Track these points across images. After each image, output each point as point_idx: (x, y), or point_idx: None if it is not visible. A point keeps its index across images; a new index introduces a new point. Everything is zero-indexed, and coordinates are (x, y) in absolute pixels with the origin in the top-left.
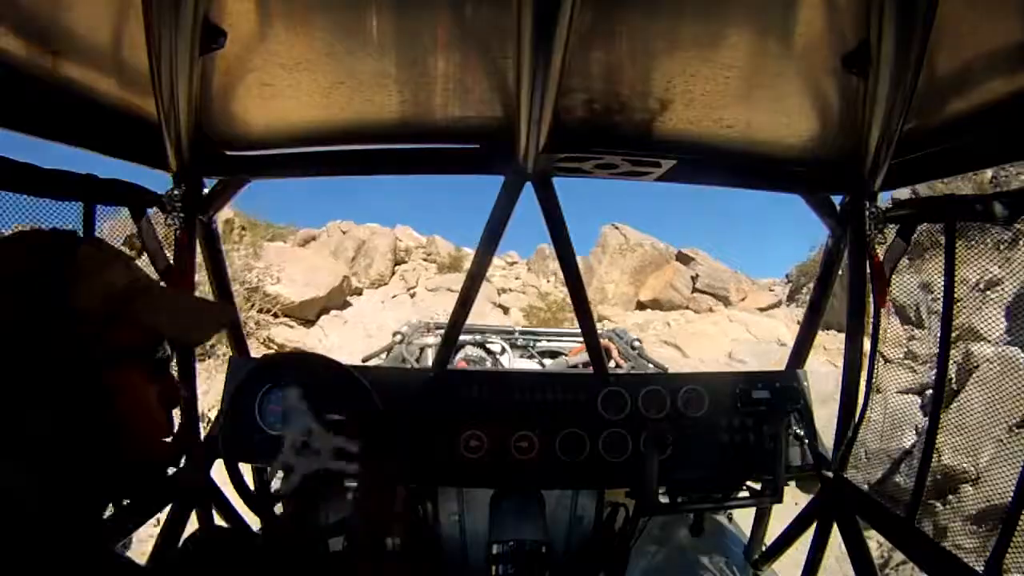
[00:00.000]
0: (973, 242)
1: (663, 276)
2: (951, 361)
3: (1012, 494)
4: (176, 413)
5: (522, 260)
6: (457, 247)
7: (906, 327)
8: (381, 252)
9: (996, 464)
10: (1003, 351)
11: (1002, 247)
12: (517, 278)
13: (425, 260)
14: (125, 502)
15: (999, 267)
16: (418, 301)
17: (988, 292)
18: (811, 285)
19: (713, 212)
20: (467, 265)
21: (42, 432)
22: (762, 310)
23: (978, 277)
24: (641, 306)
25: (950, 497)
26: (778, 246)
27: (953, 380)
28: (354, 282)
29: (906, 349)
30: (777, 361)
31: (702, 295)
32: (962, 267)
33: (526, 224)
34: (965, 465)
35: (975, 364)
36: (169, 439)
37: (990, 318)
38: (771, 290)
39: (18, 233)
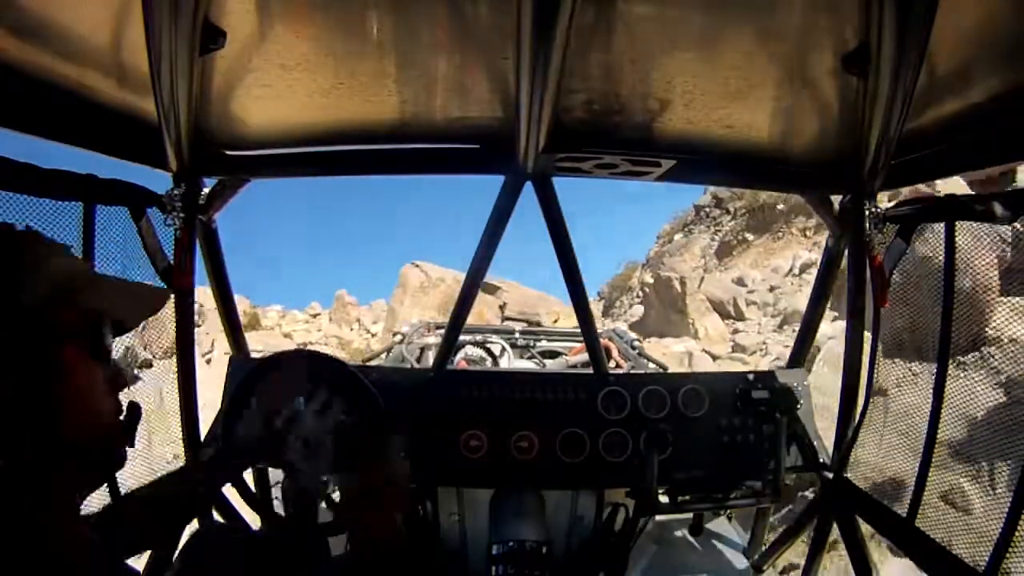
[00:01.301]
0: (780, 233)
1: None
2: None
3: (1012, 494)
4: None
5: (324, 310)
6: (252, 304)
7: (727, 321)
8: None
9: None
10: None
11: (808, 232)
12: (319, 330)
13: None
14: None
15: (808, 251)
16: (213, 367)
17: (804, 275)
18: (623, 299)
19: (522, 238)
20: (266, 322)
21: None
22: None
23: (790, 264)
24: None
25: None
26: (589, 265)
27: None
28: (142, 354)
29: (733, 342)
30: None
31: (513, 323)
32: (774, 256)
33: None
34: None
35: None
36: (118, 420)
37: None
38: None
39: None
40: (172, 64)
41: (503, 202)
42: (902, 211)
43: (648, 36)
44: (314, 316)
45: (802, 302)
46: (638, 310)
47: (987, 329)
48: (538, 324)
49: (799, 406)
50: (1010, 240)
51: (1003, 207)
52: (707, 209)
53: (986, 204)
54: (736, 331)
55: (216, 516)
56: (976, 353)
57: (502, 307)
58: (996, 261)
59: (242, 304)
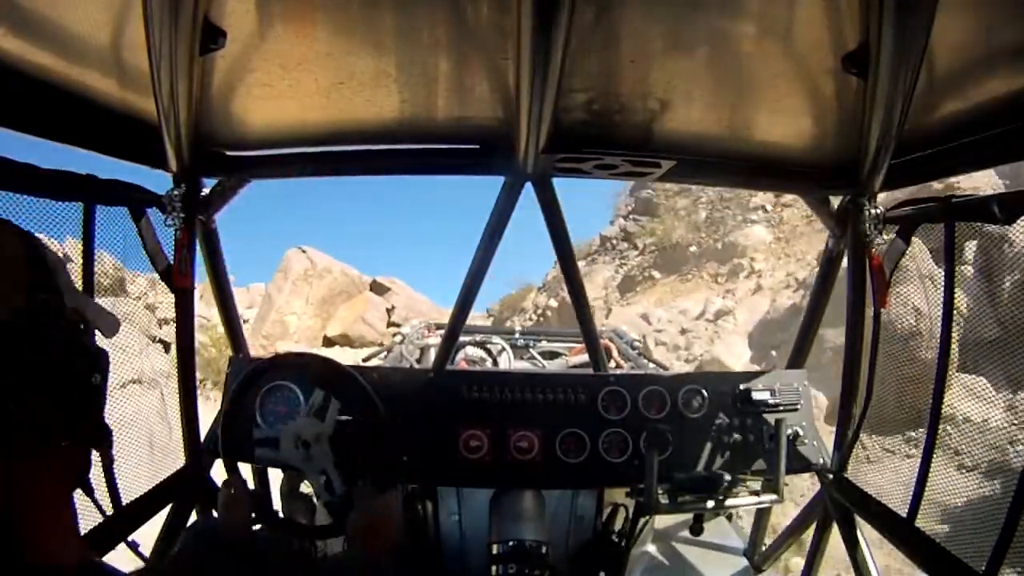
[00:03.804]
0: (689, 275)
1: (354, 308)
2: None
3: (1012, 494)
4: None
5: (198, 284)
6: (118, 265)
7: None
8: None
9: None
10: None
11: (720, 279)
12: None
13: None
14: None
15: (721, 298)
16: None
17: (719, 322)
18: (514, 319)
19: (416, 239)
20: (131, 288)
21: (43, 418)
22: None
23: (702, 308)
24: (329, 342)
25: None
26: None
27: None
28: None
29: None
30: None
31: (398, 329)
32: (681, 297)
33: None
34: None
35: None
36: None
37: None
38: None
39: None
40: (172, 64)
41: (503, 203)
42: (902, 211)
43: (648, 36)
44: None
45: (721, 351)
46: None
47: None
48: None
49: (799, 406)
50: None
51: (1003, 207)
52: (613, 241)
53: (986, 204)
54: None
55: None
56: None
57: (390, 311)
58: None
59: (107, 263)
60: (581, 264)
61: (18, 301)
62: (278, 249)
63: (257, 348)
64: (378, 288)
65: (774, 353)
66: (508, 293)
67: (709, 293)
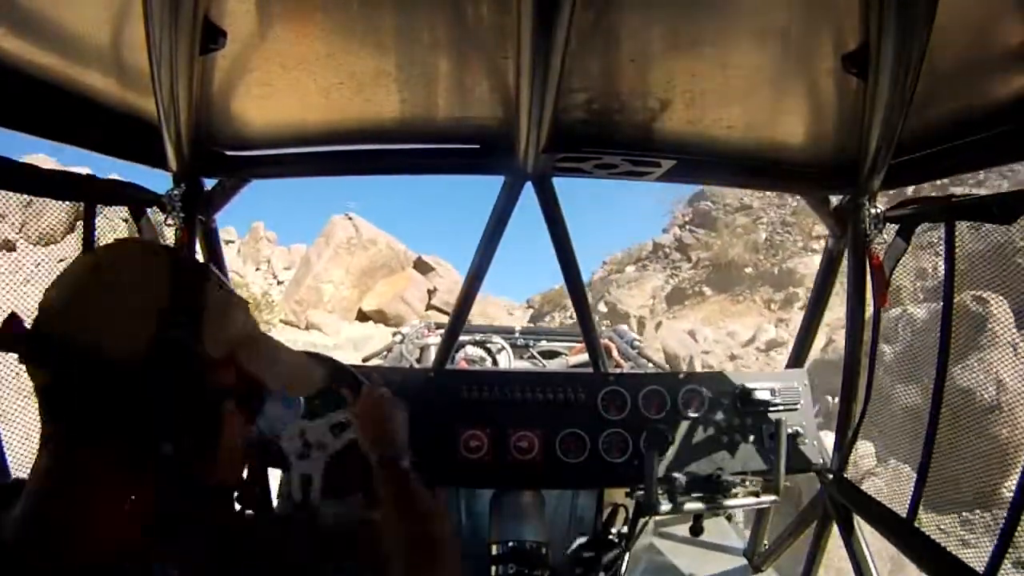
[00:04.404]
0: (741, 297)
1: (394, 284)
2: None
3: (1012, 495)
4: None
5: (238, 239)
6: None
7: None
8: None
9: None
10: None
11: (773, 306)
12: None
13: None
14: None
15: (774, 327)
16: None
17: (771, 353)
18: (555, 315)
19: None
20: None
21: (167, 458)
22: None
23: (751, 334)
24: (363, 316)
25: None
26: (521, 269)
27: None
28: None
29: None
30: None
31: (438, 313)
32: (730, 319)
33: None
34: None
35: None
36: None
37: None
38: (511, 313)
39: (151, 248)
40: (172, 64)
41: (503, 202)
42: (902, 211)
43: (648, 36)
44: (226, 243)
45: None
46: None
47: None
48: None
49: (799, 406)
50: None
51: (1003, 207)
52: (667, 249)
53: (986, 204)
54: None
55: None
56: None
57: (431, 292)
58: None
59: None
60: (630, 269)
61: (143, 338)
62: (325, 212)
63: (288, 313)
64: (422, 267)
65: (830, 400)
66: (551, 287)
67: (760, 319)
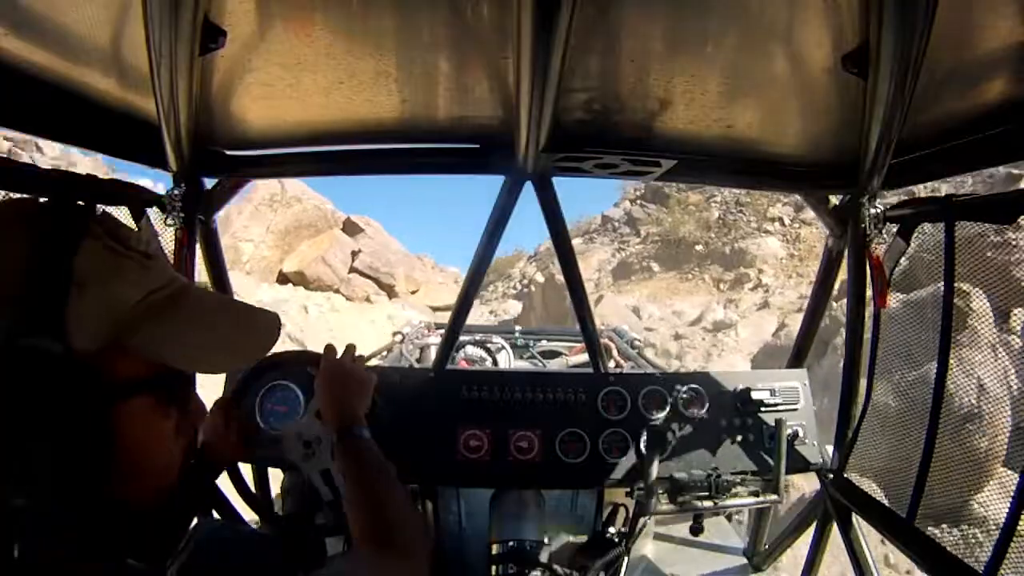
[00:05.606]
0: (690, 275)
1: (318, 245)
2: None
3: (1012, 495)
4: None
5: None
6: None
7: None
8: None
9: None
10: None
11: (723, 286)
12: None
13: None
14: None
15: (723, 307)
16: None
17: (718, 334)
18: (497, 284)
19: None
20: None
21: (43, 467)
22: (436, 309)
23: (698, 314)
24: (284, 279)
25: None
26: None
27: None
28: None
29: None
30: None
31: (361, 278)
32: (677, 297)
33: None
34: None
35: None
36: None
37: None
38: (456, 282)
39: (10, 205)
40: (172, 64)
41: (503, 202)
42: (902, 211)
43: (648, 36)
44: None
45: (720, 368)
46: (514, 306)
47: None
48: (391, 288)
49: (799, 406)
50: None
51: (1003, 207)
52: (616, 223)
53: (986, 204)
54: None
55: (215, 515)
56: None
57: (354, 254)
58: None
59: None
60: (577, 241)
61: None
62: None
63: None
64: (351, 228)
65: None
66: (497, 255)
67: (709, 298)
